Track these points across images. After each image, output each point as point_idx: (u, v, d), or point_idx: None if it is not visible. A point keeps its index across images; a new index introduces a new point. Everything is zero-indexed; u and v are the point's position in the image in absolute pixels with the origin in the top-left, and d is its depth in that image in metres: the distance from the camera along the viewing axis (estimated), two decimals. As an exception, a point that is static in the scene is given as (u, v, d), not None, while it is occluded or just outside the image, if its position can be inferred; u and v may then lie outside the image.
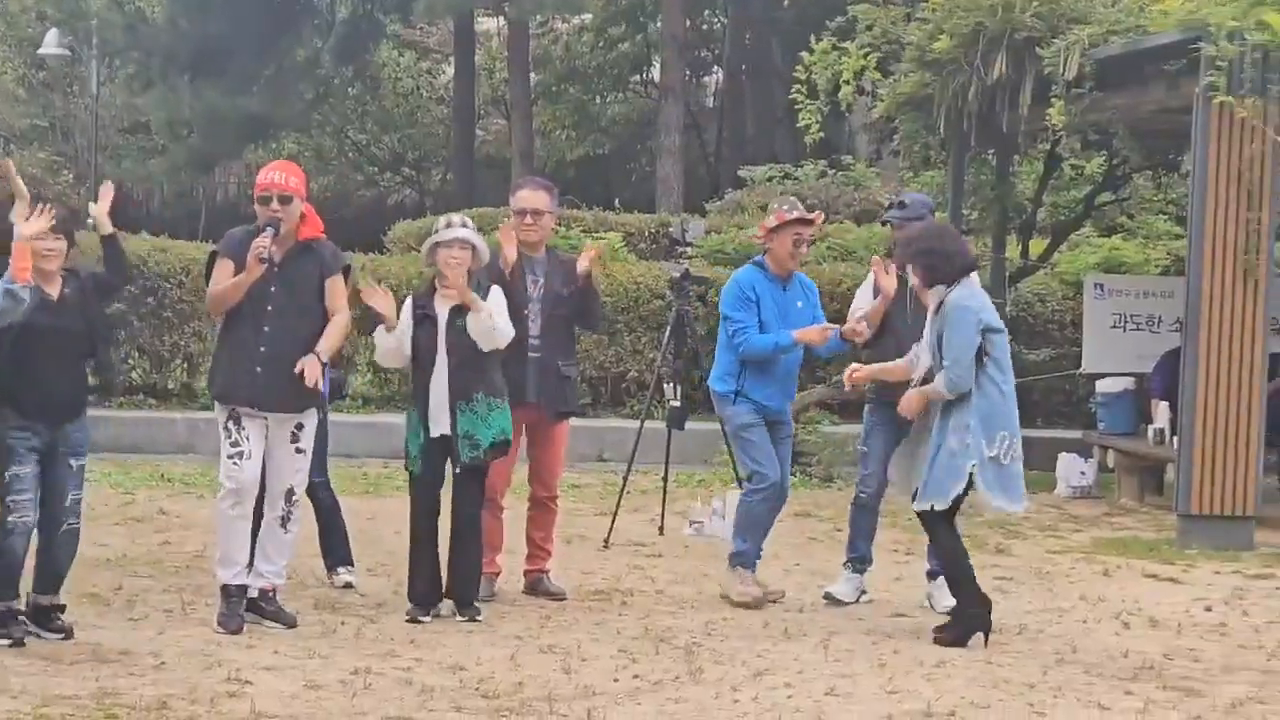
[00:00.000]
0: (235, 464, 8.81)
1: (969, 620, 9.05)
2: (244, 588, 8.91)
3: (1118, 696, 7.96)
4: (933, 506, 9.01)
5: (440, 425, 9.25)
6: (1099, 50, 13.64)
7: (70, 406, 8.47)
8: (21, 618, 8.40)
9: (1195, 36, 12.53)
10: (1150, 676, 8.39)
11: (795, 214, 9.95)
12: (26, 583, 8.50)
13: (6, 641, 8.23)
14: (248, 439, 8.81)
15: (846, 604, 10.01)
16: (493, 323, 9.18)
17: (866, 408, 10.18)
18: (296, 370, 8.70)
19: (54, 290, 8.41)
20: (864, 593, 10.16)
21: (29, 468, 8.29)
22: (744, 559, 10.01)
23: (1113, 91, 13.90)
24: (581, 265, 9.96)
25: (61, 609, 8.56)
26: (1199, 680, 8.37)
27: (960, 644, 8.93)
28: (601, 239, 20.04)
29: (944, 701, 7.70)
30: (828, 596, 10.10)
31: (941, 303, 9.01)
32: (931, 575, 9.97)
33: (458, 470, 9.30)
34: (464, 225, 9.33)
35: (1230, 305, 12.70)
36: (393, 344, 9.37)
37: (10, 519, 8.28)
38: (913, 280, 9.27)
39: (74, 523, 8.53)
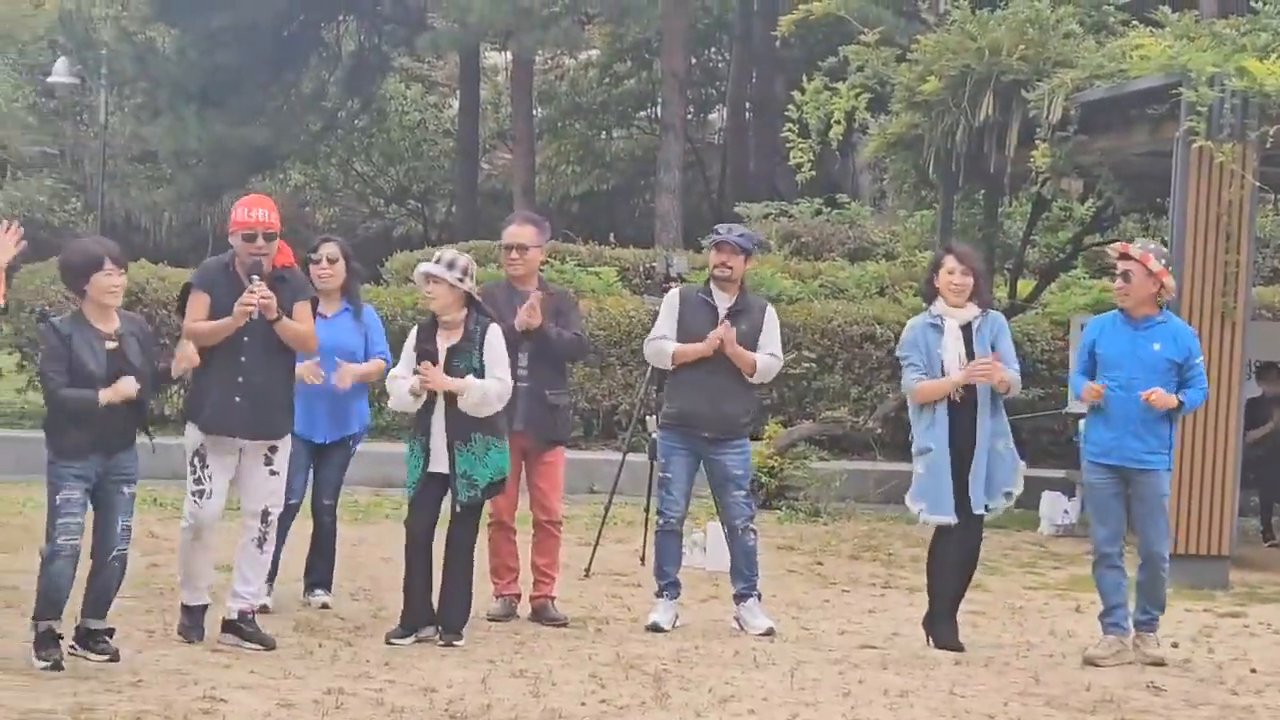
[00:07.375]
0: (196, 502, 9.05)
1: None
2: (205, 606, 9.16)
3: (1075, 728, 8.13)
4: (986, 507, 9.71)
5: (439, 463, 9.44)
6: (1083, 94, 13.89)
7: (124, 436, 8.62)
8: (60, 640, 8.45)
9: (1176, 81, 12.76)
10: (1109, 709, 8.53)
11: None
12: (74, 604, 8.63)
13: (46, 664, 8.31)
14: (210, 478, 9.03)
15: (666, 630, 10.09)
16: (481, 394, 9.35)
17: (662, 434, 10.36)
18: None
19: (110, 327, 8.53)
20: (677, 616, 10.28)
21: (78, 493, 8.42)
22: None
23: (1097, 134, 14.14)
24: (519, 324, 10.01)
25: (110, 633, 8.61)
26: (1157, 713, 8.52)
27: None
28: (595, 273, 20.28)
29: (902, 729, 7.88)
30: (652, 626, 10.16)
31: (980, 319, 9.80)
32: (739, 598, 10.21)
33: (456, 507, 9.48)
34: (450, 265, 9.39)
35: (1208, 347, 12.82)
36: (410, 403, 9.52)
37: (59, 541, 8.39)
38: (962, 281, 9.80)
39: (123, 548, 8.64)
